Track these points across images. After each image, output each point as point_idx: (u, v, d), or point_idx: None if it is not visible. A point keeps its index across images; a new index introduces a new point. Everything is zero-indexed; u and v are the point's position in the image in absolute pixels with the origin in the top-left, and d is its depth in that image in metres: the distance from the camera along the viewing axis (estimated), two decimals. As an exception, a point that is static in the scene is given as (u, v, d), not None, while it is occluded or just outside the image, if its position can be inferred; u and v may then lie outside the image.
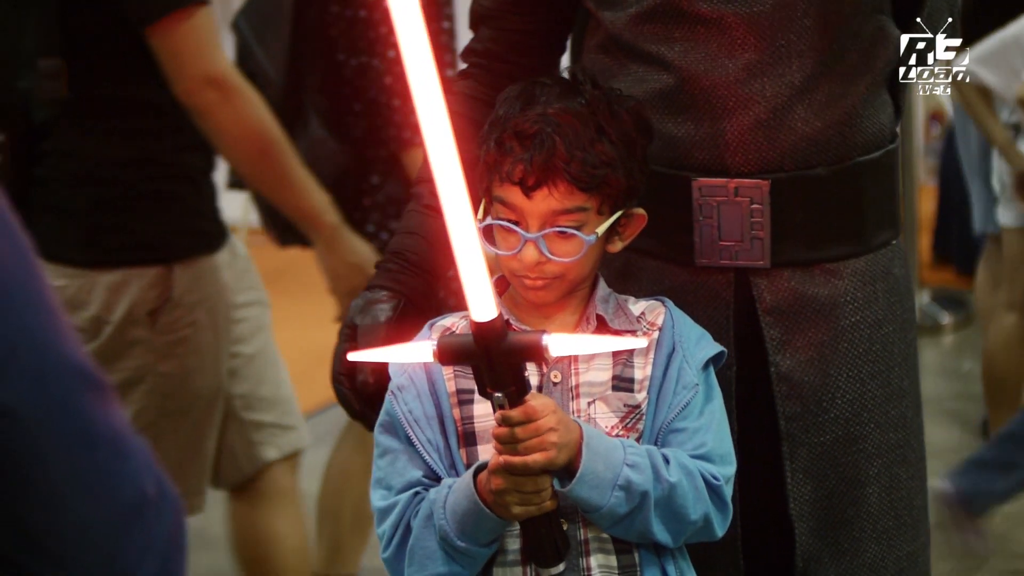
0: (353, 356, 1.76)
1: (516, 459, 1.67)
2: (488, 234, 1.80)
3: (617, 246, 1.86)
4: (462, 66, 2.15)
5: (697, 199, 1.96)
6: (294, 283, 5.89)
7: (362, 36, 3.30)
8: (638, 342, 1.76)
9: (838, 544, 2.02)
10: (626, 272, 2.03)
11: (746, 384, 2.00)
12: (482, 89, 2.09)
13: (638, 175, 1.81)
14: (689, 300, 1.97)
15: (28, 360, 1.09)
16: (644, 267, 2.02)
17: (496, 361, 1.62)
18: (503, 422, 1.67)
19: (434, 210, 2.01)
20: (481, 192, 1.81)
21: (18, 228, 1.13)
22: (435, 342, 1.64)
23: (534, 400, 1.67)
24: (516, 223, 1.77)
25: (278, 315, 5.52)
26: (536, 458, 1.67)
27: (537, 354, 1.62)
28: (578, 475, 1.70)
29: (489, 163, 1.79)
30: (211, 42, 2.68)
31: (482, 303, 1.57)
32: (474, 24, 2.13)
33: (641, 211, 1.85)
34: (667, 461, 1.76)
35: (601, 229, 1.79)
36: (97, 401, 1.14)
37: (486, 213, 1.82)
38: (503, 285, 1.87)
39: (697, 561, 1.91)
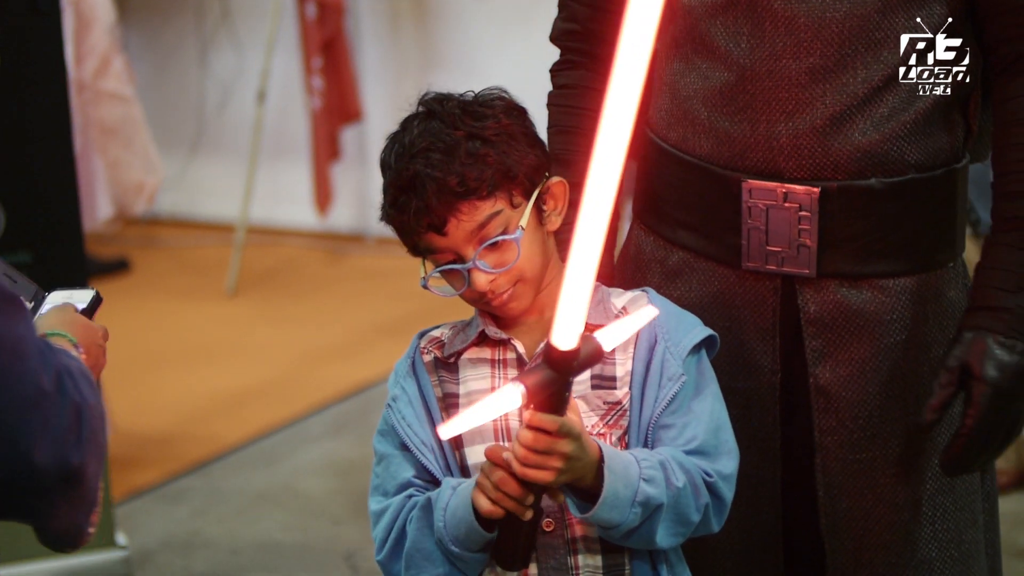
0: (446, 430, 1.69)
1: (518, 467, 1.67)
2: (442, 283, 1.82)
3: (555, 222, 1.85)
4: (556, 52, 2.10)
5: (746, 201, 1.94)
6: (289, 282, 5.88)
7: None
8: (651, 311, 1.75)
9: (872, 566, 1.98)
10: (678, 271, 2.02)
11: (788, 393, 1.98)
12: (594, 77, 2.05)
13: (530, 151, 1.81)
14: (737, 303, 1.97)
15: None
16: (696, 268, 2.01)
17: (569, 383, 1.63)
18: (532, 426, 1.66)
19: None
20: (412, 253, 1.83)
21: None
22: (522, 386, 1.63)
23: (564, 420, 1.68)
24: (453, 261, 1.79)
25: (274, 314, 5.54)
26: (536, 474, 1.67)
27: (600, 357, 1.65)
28: (601, 500, 1.70)
29: (398, 226, 1.80)
30: None
31: (571, 331, 1.57)
32: (563, 2, 2.08)
33: (557, 179, 1.85)
34: (670, 463, 1.76)
35: (524, 220, 1.79)
36: (2, 313, 1.35)
37: (427, 269, 1.83)
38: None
39: (736, 564, 1.93)
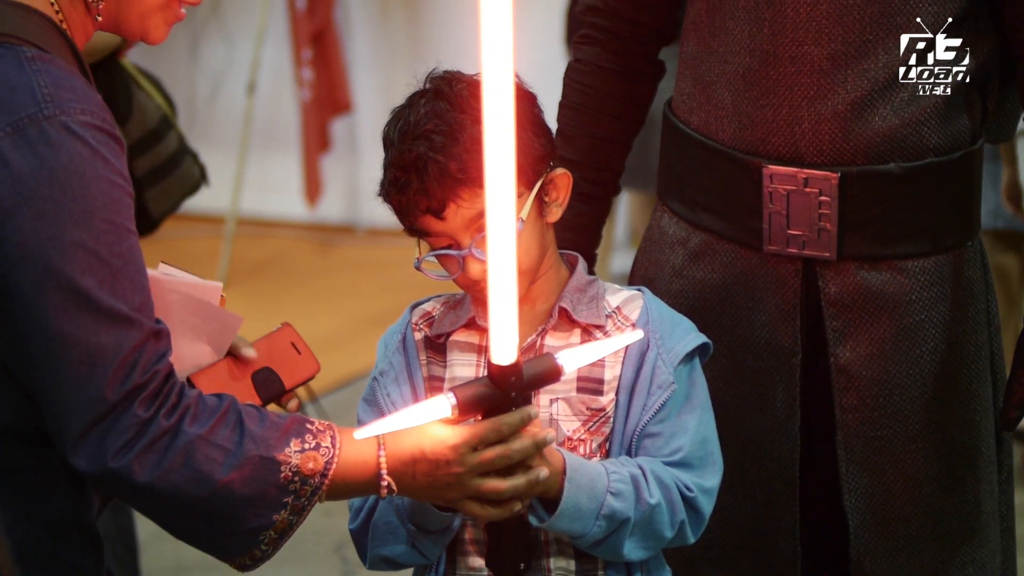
0: (362, 432, 1.62)
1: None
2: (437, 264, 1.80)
3: (555, 214, 1.81)
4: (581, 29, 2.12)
5: (767, 186, 1.95)
6: (279, 274, 5.88)
7: None
8: (635, 335, 1.73)
9: (894, 540, 2.00)
10: (701, 253, 2.03)
11: (808, 374, 1.99)
12: (609, 57, 2.08)
13: (536, 140, 1.76)
14: (759, 286, 1.99)
15: None
16: (718, 250, 2.02)
17: (514, 399, 1.61)
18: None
19: (590, 199, 2.08)
20: (408, 233, 1.79)
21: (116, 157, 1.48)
22: (453, 397, 1.60)
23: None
24: (448, 246, 1.76)
25: (263, 306, 5.54)
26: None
27: (556, 377, 1.63)
28: (559, 511, 1.68)
29: (396, 206, 1.76)
30: None
31: (507, 345, 1.55)
32: None
33: (561, 170, 1.80)
34: (645, 478, 1.73)
35: (524, 211, 1.75)
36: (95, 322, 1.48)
37: (421, 250, 1.79)
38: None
39: (756, 548, 1.93)
